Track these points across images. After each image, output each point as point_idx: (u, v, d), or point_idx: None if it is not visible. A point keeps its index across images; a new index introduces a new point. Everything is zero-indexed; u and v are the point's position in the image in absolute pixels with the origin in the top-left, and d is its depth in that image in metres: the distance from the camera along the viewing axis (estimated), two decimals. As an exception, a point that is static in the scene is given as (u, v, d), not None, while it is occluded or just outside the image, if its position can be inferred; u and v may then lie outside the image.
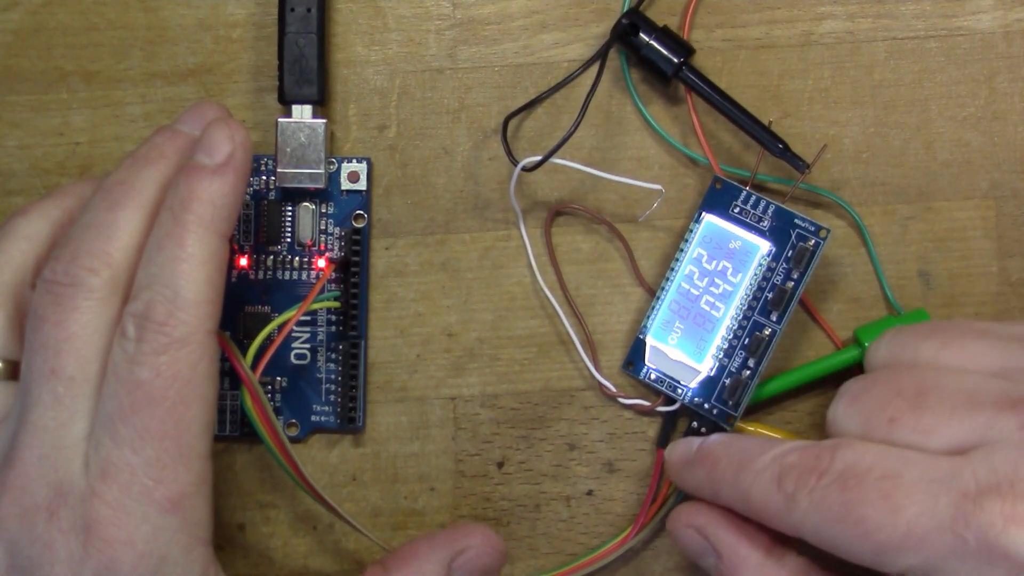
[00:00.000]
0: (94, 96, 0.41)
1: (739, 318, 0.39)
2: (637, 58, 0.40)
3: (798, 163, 0.39)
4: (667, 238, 0.41)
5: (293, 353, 0.41)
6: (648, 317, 0.40)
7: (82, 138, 0.41)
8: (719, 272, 0.39)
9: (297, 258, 0.41)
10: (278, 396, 0.41)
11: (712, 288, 0.39)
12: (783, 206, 0.39)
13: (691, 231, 0.39)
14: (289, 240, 0.41)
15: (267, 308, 0.41)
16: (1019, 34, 0.41)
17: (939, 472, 0.30)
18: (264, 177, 0.41)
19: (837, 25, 0.41)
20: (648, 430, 0.41)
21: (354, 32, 0.41)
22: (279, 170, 0.39)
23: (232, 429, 0.40)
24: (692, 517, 0.36)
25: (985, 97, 0.41)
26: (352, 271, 0.40)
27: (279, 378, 0.41)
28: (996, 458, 0.30)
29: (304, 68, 0.39)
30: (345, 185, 0.41)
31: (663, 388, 0.39)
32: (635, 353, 0.40)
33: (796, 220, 0.39)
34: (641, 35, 0.39)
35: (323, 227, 0.41)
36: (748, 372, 0.38)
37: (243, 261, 0.40)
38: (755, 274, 0.39)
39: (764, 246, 0.39)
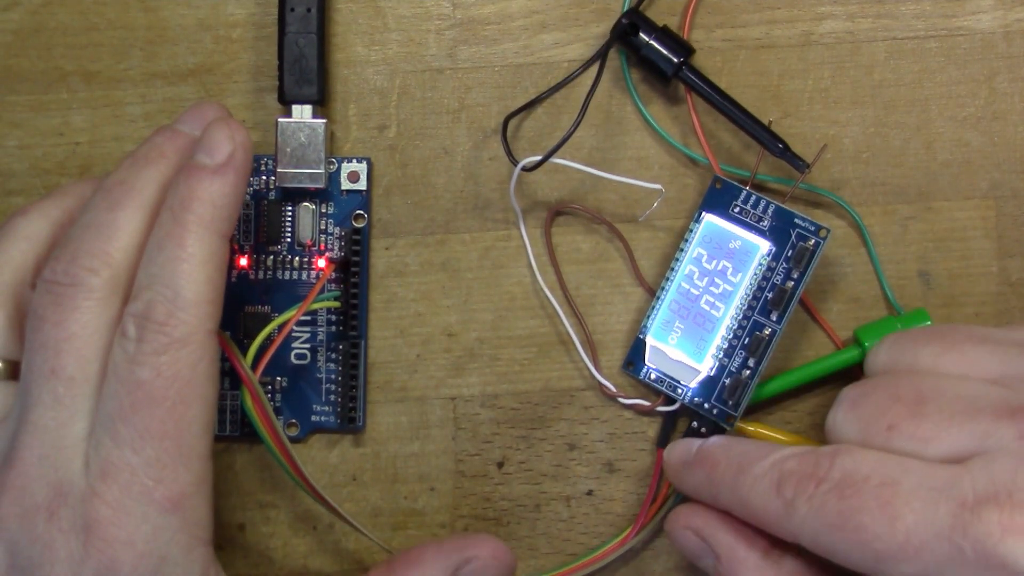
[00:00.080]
0: (94, 96, 0.41)
1: (739, 318, 0.39)
2: (637, 58, 0.40)
3: (798, 163, 0.39)
4: (667, 238, 0.41)
5: (293, 353, 0.41)
6: (648, 317, 0.40)
7: (82, 138, 0.41)
8: (719, 272, 0.39)
9: (297, 258, 0.41)
10: (278, 396, 0.41)
11: (712, 288, 0.39)
12: (783, 206, 0.39)
13: (691, 231, 0.39)
14: (289, 240, 0.41)
15: (267, 308, 0.41)
16: (1019, 34, 0.41)
17: (937, 481, 0.30)
18: (264, 177, 0.41)
19: (837, 25, 0.41)
20: (648, 430, 0.41)
21: (354, 32, 0.41)
22: (279, 170, 0.40)
23: (232, 429, 0.40)
24: (690, 518, 0.36)
25: (985, 97, 0.41)
26: (352, 271, 0.40)
27: (279, 378, 0.41)
28: (995, 467, 0.30)
29: (304, 68, 0.39)
30: (345, 185, 0.41)
31: (663, 388, 0.39)
32: (635, 353, 0.40)
33: (796, 220, 0.39)
34: (641, 35, 0.39)
35: (323, 227, 0.41)
36: (748, 372, 0.38)
37: (243, 261, 0.40)
38: (755, 274, 0.39)
39: (764, 246, 0.39)
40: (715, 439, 0.36)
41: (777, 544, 0.34)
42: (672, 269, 0.40)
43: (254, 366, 0.37)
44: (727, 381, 0.39)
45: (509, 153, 0.39)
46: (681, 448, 0.37)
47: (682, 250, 0.39)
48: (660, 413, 0.40)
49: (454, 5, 0.41)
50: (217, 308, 0.33)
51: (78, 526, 0.31)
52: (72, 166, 0.41)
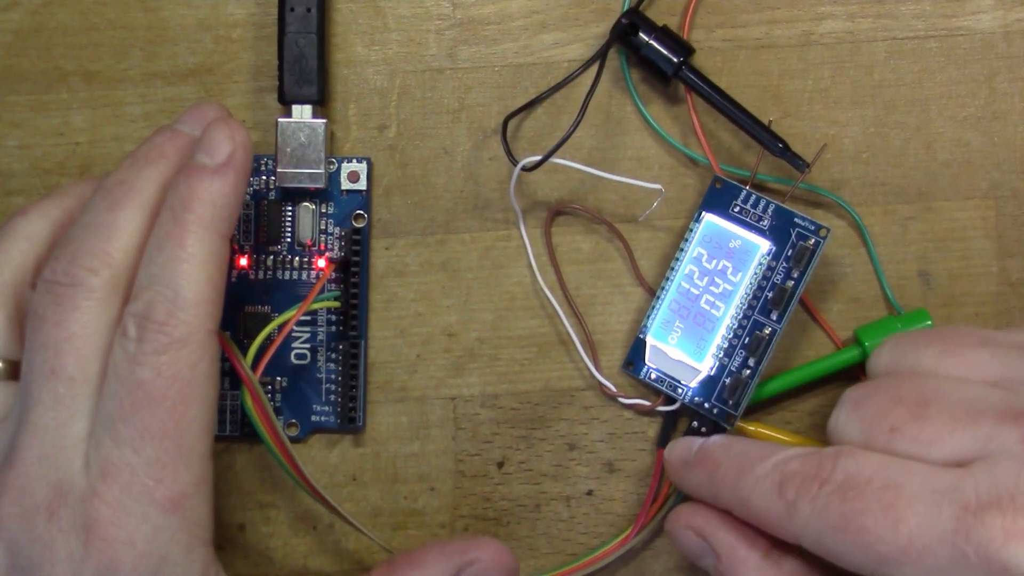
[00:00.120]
0: (94, 96, 0.41)
1: (739, 317, 0.39)
2: (637, 58, 0.40)
3: (798, 163, 0.39)
4: (667, 238, 0.41)
5: (293, 353, 0.41)
6: (648, 317, 0.40)
7: (82, 138, 0.41)
8: (719, 271, 0.39)
9: (297, 258, 0.41)
10: (278, 396, 0.41)
11: (712, 287, 0.39)
12: (783, 205, 0.39)
13: (691, 231, 0.39)
14: (289, 240, 0.41)
15: (267, 308, 0.41)
16: (1019, 34, 0.41)
17: (940, 484, 0.30)
18: (264, 177, 0.41)
19: (837, 25, 0.41)
20: (648, 430, 0.41)
21: (354, 32, 0.41)
22: (279, 170, 0.40)
23: (232, 429, 0.40)
24: (691, 518, 0.36)
25: (985, 97, 0.41)
26: (352, 271, 0.40)
27: (279, 378, 0.41)
28: (998, 471, 0.29)
29: (304, 68, 0.39)
30: (345, 185, 0.41)
31: (663, 388, 0.39)
32: (635, 353, 0.40)
33: (796, 219, 0.39)
34: (641, 35, 0.39)
35: (323, 227, 0.41)
36: (748, 371, 0.38)
37: (243, 261, 0.40)
38: (755, 273, 0.39)
39: (764, 245, 0.39)
40: (716, 438, 0.36)
41: (778, 544, 0.34)
42: (672, 269, 0.40)
43: (254, 366, 0.37)
44: (727, 381, 0.39)
45: (509, 153, 0.39)
46: (682, 447, 0.37)
47: (682, 250, 0.39)
48: (660, 413, 0.40)
49: (454, 5, 0.41)
50: (217, 308, 0.33)
51: (78, 526, 0.31)
52: (72, 166, 0.41)
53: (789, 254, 0.38)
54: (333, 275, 0.40)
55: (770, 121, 0.39)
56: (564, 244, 0.41)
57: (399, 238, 0.41)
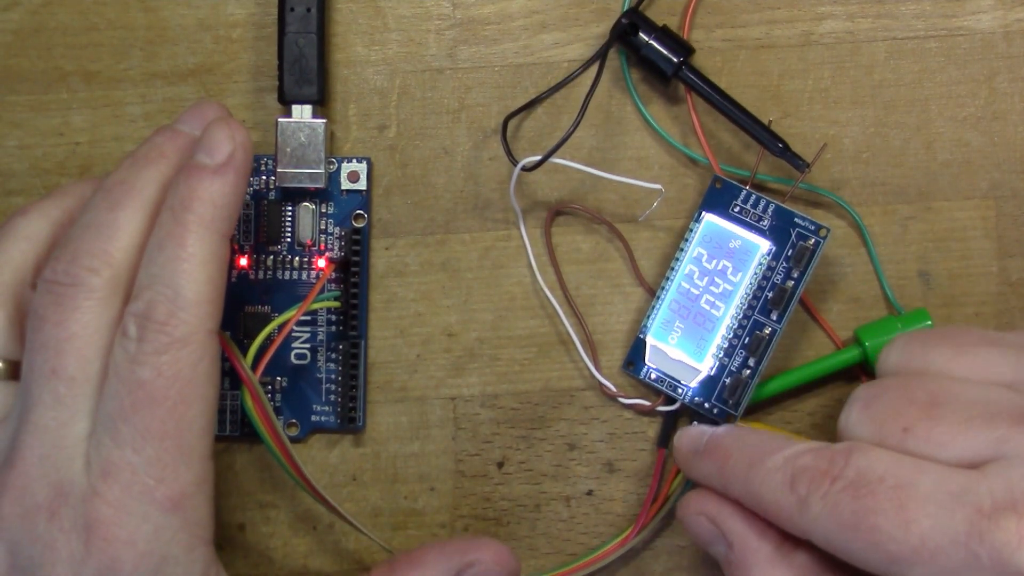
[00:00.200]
0: (94, 96, 0.41)
1: (739, 317, 0.39)
2: (637, 58, 0.40)
3: (798, 162, 0.39)
4: (667, 238, 0.41)
5: (293, 353, 0.41)
6: (648, 317, 0.40)
7: (82, 138, 0.41)
8: (719, 271, 0.39)
9: (297, 258, 0.41)
10: (278, 396, 0.41)
11: (712, 287, 0.39)
12: (783, 205, 0.39)
13: (691, 230, 0.39)
14: (289, 240, 0.41)
15: (267, 308, 0.41)
16: (1019, 34, 0.41)
17: (954, 485, 0.30)
18: (264, 177, 0.41)
19: (837, 25, 0.41)
20: (648, 430, 0.41)
21: (354, 32, 0.41)
22: (279, 170, 0.39)
23: (232, 429, 0.40)
24: (703, 504, 0.35)
25: (985, 97, 0.41)
26: (352, 271, 0.40)
27: (279, 378, 0.41)
28: (1012, 474, 0.29)
29: (304, 68, 0.39)
30: (345, 185, 0.41)
31: (663, 388, 0.39)
32: (635, 353, 0.40)
33: (796, 219, 0.39)
34: (641, 35, 0.39)
35: (323, 227, 0.41)
36: (748, 371, 0.38)
37: (243, 261, 0.40)
38: (755, 273, 0.39)
39: (764, 245, 0.39)
40: (725, 428, 0.36)
41: (789, 537, 0.34)
42: (672, 269, 0.40)
43: (254, 366, 0.37)
44: (727, 381, 0.39)
45: (509, 153, 0.39)
46: (691, 436, 0.36)
47: (682, 250, 0.39)
48: (660, 413, 0.40)
49: (454, 5, 0.41)
50: (218, 308, 0.33)
51: (79, 526, 0.31)
52: (72, 166, 0.41)
53: (789, 254, 0.38)
54: (333, 275, 0.40)
55: (770, 121, 0.39)
56: (564, 244, 0.41)
57: (399, 238, 0.41)
